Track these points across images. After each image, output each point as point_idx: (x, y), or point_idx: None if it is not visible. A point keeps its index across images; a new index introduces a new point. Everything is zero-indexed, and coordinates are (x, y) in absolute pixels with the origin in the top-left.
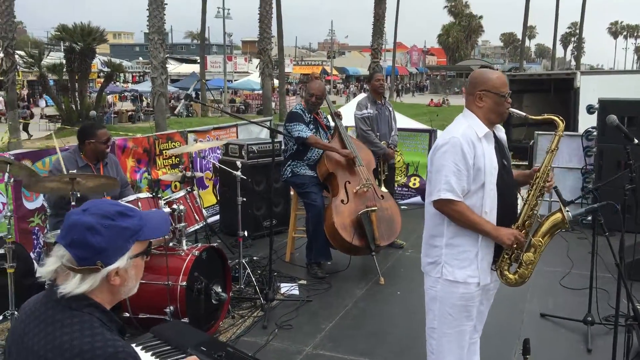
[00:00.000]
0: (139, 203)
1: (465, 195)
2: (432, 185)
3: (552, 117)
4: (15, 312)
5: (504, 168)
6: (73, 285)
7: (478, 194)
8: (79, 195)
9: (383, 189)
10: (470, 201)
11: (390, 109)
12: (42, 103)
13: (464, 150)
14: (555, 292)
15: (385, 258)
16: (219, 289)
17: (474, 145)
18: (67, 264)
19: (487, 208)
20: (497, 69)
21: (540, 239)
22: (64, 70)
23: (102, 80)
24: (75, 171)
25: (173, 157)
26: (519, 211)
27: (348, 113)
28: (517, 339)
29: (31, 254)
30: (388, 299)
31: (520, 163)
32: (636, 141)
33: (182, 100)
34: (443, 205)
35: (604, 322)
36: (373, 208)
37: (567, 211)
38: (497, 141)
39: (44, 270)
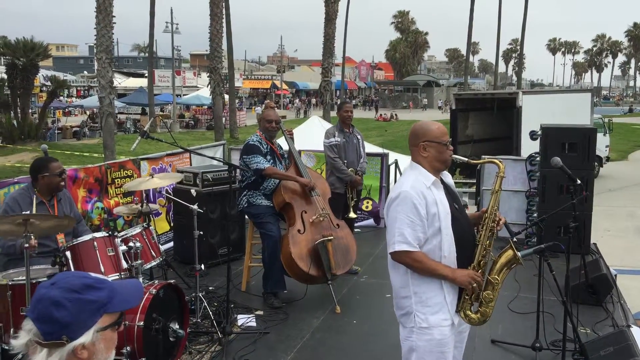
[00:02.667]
0: (95, 243)
1: (423, 242)
2: (389, 238)
3: (493, 160)
4: None
5: (457, 211)
6: None
7: (435, 239)
8: (33, 238)
9: (352, 214)
10: (429, 247)
11: (359, 137)
12: None
13: (414, 202)
14: (504, 316)
15: (340, 285)
16: (176, 326)
17: (423, 194)
18: (34, 338)
19: (446, 252)
20: (443, 84)
21: (496, 276)
22: (5, 85)
23: (44, 95)
24: (30, 211)
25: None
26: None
27: (300, 135)
28: None
29: None
30: (345, 328)
31: (467, 181)
32: (579, 182)
33: (139, 137)
34: (400, 256)
35: (551, 347)
36: (329, 237)
37: (517, 248)
38: (446, 187)
39: (16, 343)
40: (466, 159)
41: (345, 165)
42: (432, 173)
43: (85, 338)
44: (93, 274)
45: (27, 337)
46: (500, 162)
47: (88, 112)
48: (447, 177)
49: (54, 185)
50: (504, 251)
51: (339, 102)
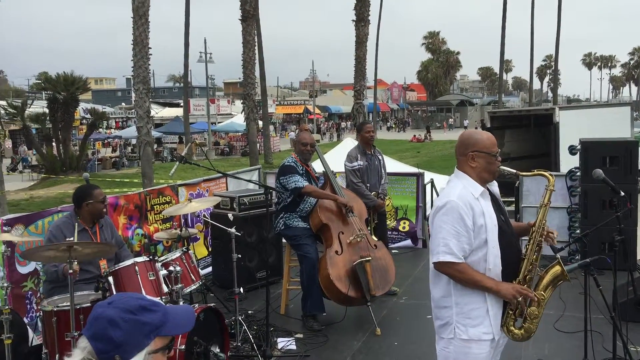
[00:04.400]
0: (136, 267)
1: (468, 254)
2: (432, 247)
3: (542, 173)
4: None
5: (504, 223)
6: None
7: (481, 251)
8: (75, 263)
9: (373, 237)
10: (473, 258)
11: (380, 157)
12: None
13: (461, 213)
14: (550, 336)
15: (379, 306)
16: (217, 350)
17: (471, 205)
18: (88, 356)
19: (491, 265)
20: (476, 103)
21: (543, 292)
22: (47, 119)
23: (84, 127)
24: (72, 237)
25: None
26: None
27: (335, 157)
28: None
29: (25, 318)
30: (386, 351)
31: (506, 199)
32: (622, 194)
33: (177, 163)
34: (443, 267)
35: None
36: (367, 258)
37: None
38: (493, 197)
39: None
40: (514, 171)
41: (367, 188)
42: (479, 183)
43: (137, 359)
44: (148, 297)
45: (81, 355)
46: (550, 174)
47: (112, 145)
48: (494, 186)
49: (97, 212)
50: (551, 267)
51: (357, 124)
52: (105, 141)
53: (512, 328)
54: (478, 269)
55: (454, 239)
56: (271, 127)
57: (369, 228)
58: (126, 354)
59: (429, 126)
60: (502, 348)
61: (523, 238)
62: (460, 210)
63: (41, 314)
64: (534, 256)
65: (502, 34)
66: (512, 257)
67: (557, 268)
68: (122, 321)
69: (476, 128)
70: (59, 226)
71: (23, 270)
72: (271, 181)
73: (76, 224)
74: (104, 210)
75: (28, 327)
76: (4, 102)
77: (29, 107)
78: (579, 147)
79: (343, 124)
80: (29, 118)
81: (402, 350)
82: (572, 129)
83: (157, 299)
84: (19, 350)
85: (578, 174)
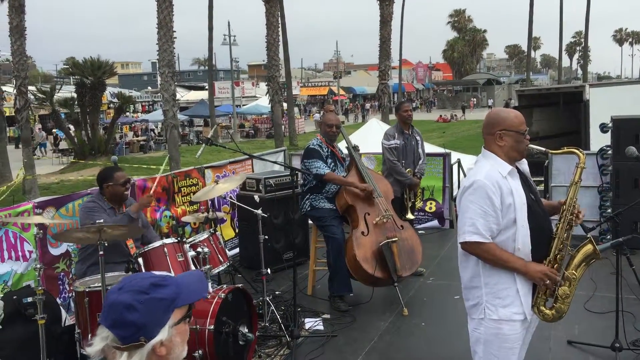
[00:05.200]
0: (165, 249)
1: (496, 234)
2: (459, 227)
3: (573, 150)
4: None
5: (534, 201)
6: None
7: (510, 230)
8: (106, 244)
9: (410, 215)
10: (502, 238)
11: (418, 137)
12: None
13: (488, 192)
14: (580, 316)
15: (406, 287)
16: (245, 330)
17: (499, 184)
18: (112, 343)
19: (520, 244)
20: (504, 82)
21: (574, 271)
22: (75, 104)
23: (112, 111)
24: (102, 219)
25: (191, 194)
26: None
27: (360, 138)
28: None
29: (57, 299)
30: (413, 331)
31: (535, 179)
32: None
33: (203, 145)
34: (470, 247)
35: (632, 347)
36: (394, 239)
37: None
38: (521, 175)
39: (91, 350)
40: (544, 149)
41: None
42: (507, 162)
43: (162, 335)
44: (157, 272)
45: (102, 344)
46: (580, 152)
47: (134, 130)
48: (524, 164)
49: (118, 194)
50: (583, 246)
51: (396, 104)
52: (133, 125)
53: (543, 308)
54: (507, 249)
55: (481, 218)
56: (296, 109)
57: (404, 206)
58: (150, 334)
59: (465, 106)
60: (534, 329)
61: (553, 217)
62: (488, 189)
63: (73, 294)
64: (565, 235)
65: (530, 10)
66: (542, 236)
67: (589, 247)
68: (138, 303)
69: (490, 108)
70: (91, 208)
71: (55, 252)
72: (296, 163)
73: (102, 204)
74: (125, 193)
75: (61, 307)
76: (33, 88)
77: (58, 92)
78: (610, 124)
79: (368, 105)
80: (57, 103)
81: (429, 330)
82: (603, 106)
83: None
84: (52, 330)
85: (609, 152)
